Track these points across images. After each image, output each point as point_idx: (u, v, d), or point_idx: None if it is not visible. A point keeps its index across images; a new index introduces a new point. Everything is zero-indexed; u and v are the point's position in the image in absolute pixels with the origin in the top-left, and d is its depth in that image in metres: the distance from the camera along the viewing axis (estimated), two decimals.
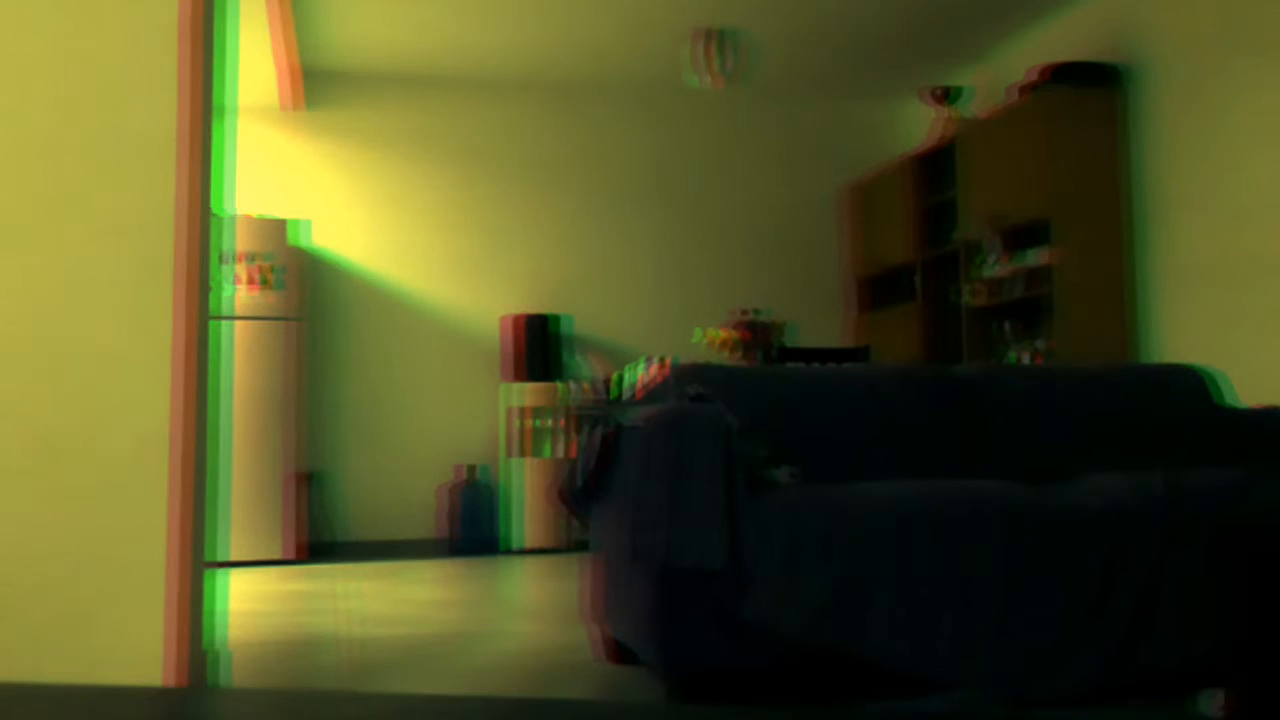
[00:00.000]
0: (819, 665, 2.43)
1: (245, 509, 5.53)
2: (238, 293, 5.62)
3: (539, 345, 6.24)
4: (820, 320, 7.01)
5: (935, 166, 6.27)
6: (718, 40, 5.06)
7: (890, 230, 6.52)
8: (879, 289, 6.85)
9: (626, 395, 5.97)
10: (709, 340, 5.76)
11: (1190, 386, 3.29)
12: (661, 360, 5.60)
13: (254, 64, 5.71)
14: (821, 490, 2.51)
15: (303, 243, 5.97)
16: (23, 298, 2.22)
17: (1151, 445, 3.18)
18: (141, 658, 2.21)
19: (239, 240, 5.66)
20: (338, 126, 6.45)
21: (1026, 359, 5.30)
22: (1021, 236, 5.42)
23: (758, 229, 6.95)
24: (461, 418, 6.44)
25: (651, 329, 6.74)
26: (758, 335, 5.75)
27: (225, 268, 5.62)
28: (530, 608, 4.01)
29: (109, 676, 2.20)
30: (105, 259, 2.25)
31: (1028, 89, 5.25)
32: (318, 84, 6.43)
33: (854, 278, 6.98)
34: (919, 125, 7.05)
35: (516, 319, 6.28)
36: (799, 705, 2.47)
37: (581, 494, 2.87)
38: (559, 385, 6.19)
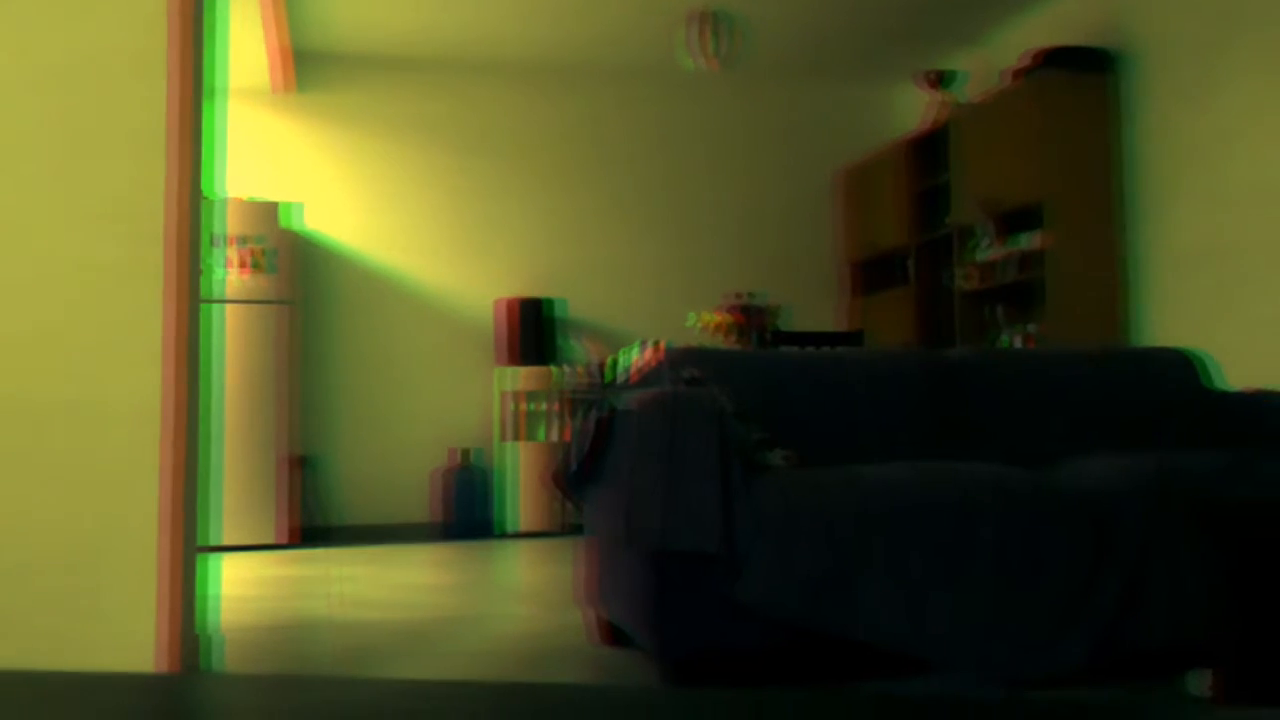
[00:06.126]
0: (813, 647, 2.44)
1: (238, 493, 5.53)
2: (229, 276, 5.60)
3: (533, 329, 6.23)
4: (814, 304, 7.01)
5: (929, 151, 6.26)
6: (712, 23, 5.04)
7: (884, 214, 6.51)
8: (873, 273, 6.84)
9: (621, 379, 5.96)
10: (703, 324, 5.75)
11: (1179, 370, 3.30)
12: (656, 344, 5.59)
13: (245, 46, 5.66)
14: (815, 473, 2.52)
15: (294, 226, 5.94)
16: (12, 282, 2.21)
17: (1141, 428, 3.19)
18: (134, 642, 2.20)
19: (230, 223, 5.63)
20: (329, 109, 6.41)
21: (1018, 342, 5.31)
22: (1014, 220, 5.42)
23: (752, 213, 6.94)
24: (455, 401, 6.44)
25: (646, 313, 6.73)
26: (752, 319, 5.74)
27: (216, 251, 5.60)
28: (524, 591, 4.02)
29: (100, 662, 2.19)
30: (95, 242, 2.23)
31: (1021, 73, 5.24)
32: (309, 66, 6.39)
33: (848, 262, 6.97)
34: (913, 109, 7.04)
35: (510, 302, 6.27)
36: (793, 687, 2.48)
37: (576, 477, 2.87)
38: (553, 369, 6.19)
